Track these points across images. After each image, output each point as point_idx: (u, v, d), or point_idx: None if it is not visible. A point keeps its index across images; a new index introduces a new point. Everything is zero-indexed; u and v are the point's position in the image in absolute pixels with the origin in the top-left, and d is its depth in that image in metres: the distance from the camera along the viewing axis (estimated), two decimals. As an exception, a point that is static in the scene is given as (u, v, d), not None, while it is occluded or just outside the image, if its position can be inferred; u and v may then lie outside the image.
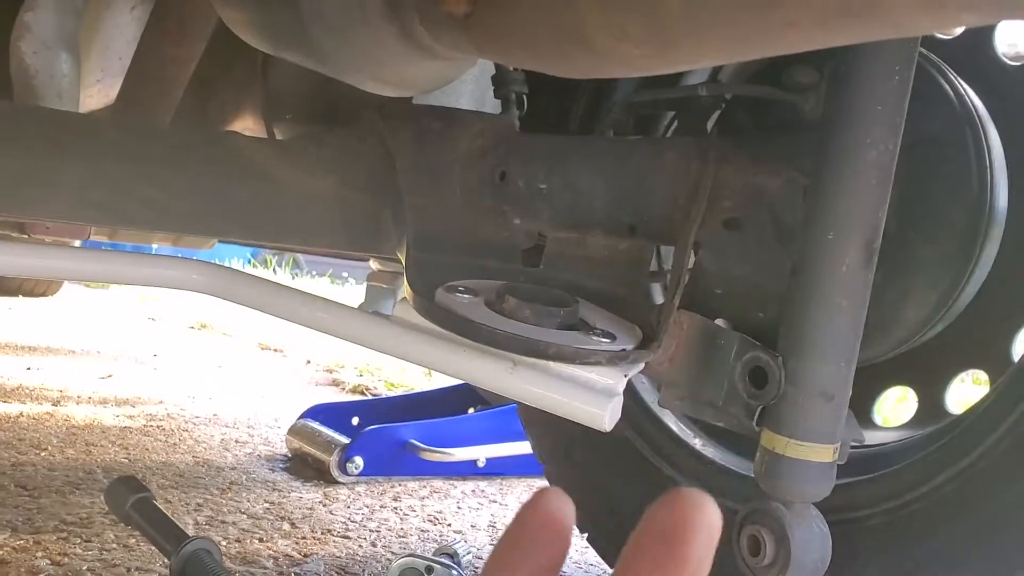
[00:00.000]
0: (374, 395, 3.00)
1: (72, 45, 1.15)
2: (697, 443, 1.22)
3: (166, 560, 0.87)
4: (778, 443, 0.84)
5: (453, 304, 0.95)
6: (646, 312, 0.97)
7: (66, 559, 1.28)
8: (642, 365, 0.90)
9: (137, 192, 0.96)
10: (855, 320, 0.83)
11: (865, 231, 0.81)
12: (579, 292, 1.01)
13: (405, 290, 1.02)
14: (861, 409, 1.08)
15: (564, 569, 1.41)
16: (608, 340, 0.90)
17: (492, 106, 1.29)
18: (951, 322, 1.04)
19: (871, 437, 1.08)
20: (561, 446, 1.38)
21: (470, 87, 1.34)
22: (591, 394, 0.87)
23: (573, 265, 1.09)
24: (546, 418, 1.41)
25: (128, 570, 1.25)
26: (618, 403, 0.87)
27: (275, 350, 3.94)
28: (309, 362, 3.68)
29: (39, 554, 1.29)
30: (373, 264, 1.96)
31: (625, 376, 0.88)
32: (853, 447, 0.95)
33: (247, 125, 1.44)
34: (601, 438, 1.30)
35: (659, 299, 1.27)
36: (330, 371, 3.46)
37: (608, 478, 1.29)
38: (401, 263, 1.69)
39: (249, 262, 8.17)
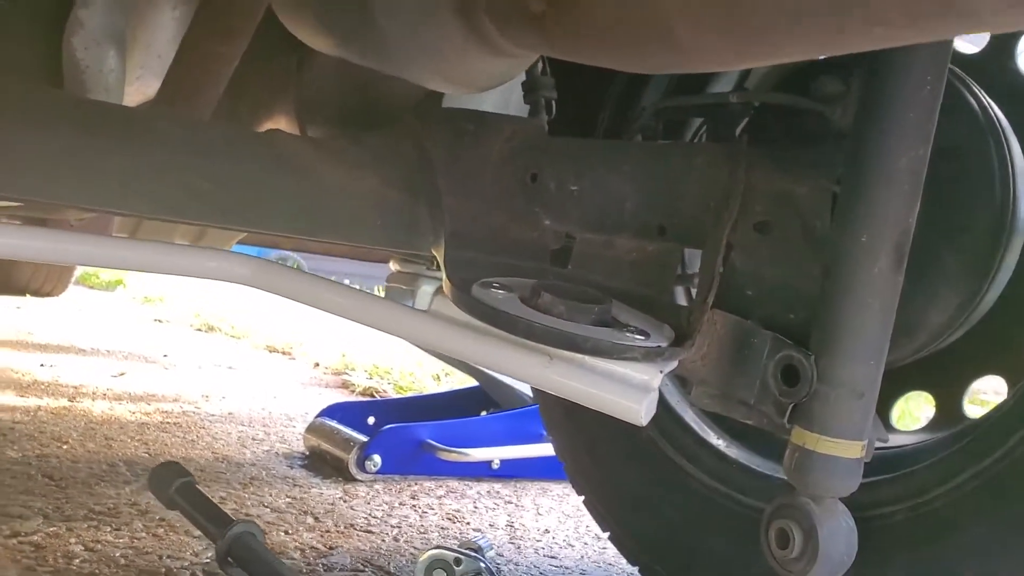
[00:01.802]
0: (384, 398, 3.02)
1: (120, 42, 1.18)
2: (720, 443, 1.25)
3: (212, 543, 0.89)
4: (808, 439, 0.86)
5: (490, 299, 0.98)
6: (674, 313, 1.00)
7: (99, 546, 1.30)
8: (676, 362, 0.93)
9: (184, 183, 0.98)
10: (885, 321, 0.85)
11: (896, 235, 0.84)
12: (607, 293, 1.03)
13: (444, 285, 1.05)
14: (880, 412, 1.10)
15: (584, 568, 1.44)
16: (642, 337, 0.93)
17: (515, 111, 1.32)
18: (971, 328, 1.06)
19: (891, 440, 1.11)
20: (583, 446, 1.40)
21: (494, 92, 1.37)
22: (627, 389, 0.89)
23: (601, 266, 1.11)
24: (568, 418, 1.45)
25: (160, 557, 1.28)
26: (654, 399, 0.90)
27: (283, 352, 3.97)
28: (317, 365, 3.70)
29: (72, 540, 1.32)
30: (392, 266, 1.99)
31: (661, 372, 0.90)
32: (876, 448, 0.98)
33: (279, 126, 1.47)
34: (624, 438, 1.33)
35: (682, 303, 1.29)
36: (338, 373, 3.49)
37: (631, 477, 1.32)
38: (432, 262, 1.72)
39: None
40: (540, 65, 1.23)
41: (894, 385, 1.13)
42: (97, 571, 1.21)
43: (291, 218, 1.06)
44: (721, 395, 0.97)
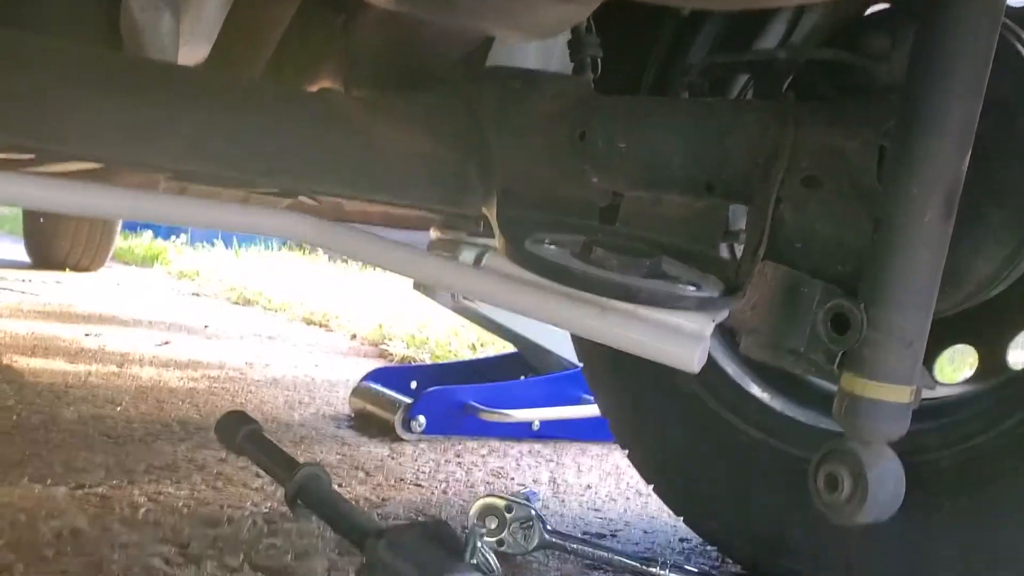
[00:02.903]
0: (423, 365, 3.06)
1: (174, 5, 1.21)
2: (763, 395, 1.27)
3: (280, 486, 0.93)
4: (858, 385, 0.88)
5: (543, 254, 1.00)
6: (723, 266, 1.02)
7: (161, 497, 1.35)
8: (727, 312, 0.95)
9: (247, 143, 1.01)
10: (934, 270, 0.87)
11: (947, 185, 0.85)
12: (656, 248, 1.05)
13: (497, 241, 1.08)
14: (925, 364, 1.12)
15: (627, 520, 1.47)
16: (694, 288, 0.96)
17: (557, 70, 1.34)
18: (1014, 281, 1.07)
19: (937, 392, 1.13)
20: (628, 401, 1.43)
21: (536, 52, 1.39)
22: (680, 337, 0.91)
23: (649, 223, 1.14)
24: (612, 375, 1.47)
25: (221, 507, 1.32)
26: (706, 347, 0.92)
27: (320, 324, 4.02)
28: (355, 336, 3.75)
29: (135, 492, 1.36)
30: (433, 233, 2.02)
31: (713, 321, 0.93)
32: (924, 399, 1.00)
33: (324, 89, 1.50)
34: (667, 392, 1.36)
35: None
36: (376, 344, 3.53)
37: (675, 431, 1.34)
38: (478, 222, 1.74)
39: (285, 243, 8.26)
40: (586, 23, 1.24)
41: (939, 337, 1.15)
42: (162, 519, 1.26)
43: (349, 177, 1.09)
44: (771, 344, 0.99)
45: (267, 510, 1.33)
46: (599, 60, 1.26)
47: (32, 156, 1.42)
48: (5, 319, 3.13)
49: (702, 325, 0.92)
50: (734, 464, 1.26)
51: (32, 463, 1.46)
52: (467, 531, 0.90)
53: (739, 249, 1.19)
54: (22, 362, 2.37)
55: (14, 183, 0.93)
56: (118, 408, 1.94)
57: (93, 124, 0.94)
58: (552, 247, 1.03)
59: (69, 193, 0.98)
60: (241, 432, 1.00)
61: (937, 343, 1.16)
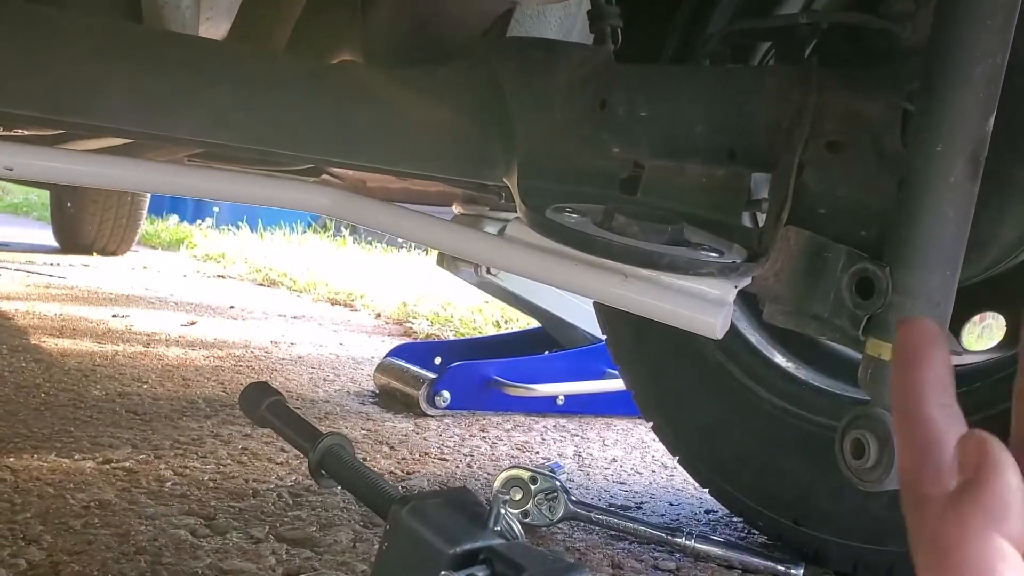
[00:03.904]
0: (447, 342, 3.07)
1: (194, -21, 1.21)
2: (788, 364, 1.26)
3: (303, 455, 0.93)
4: (884, 350, 0.87)
5: (565, 222, 1.00)
6: (745, 234, 1.01)
7: (187, 471, 1.36)
8: (750, 278, 0.95)
9: (272, 115, 1.02)
10: (960, 231, 0.86)
11: (972, 144, 0.84)
12: (677, 219, 1.05)
13: (519, 210, 1.08)
14: (951, 331, 1.11)
15: (653, 492, 1.47)
16: (716, 255, 0.95)
17: (577, 40, 1.33)
18: (1041, 248, 1.06)
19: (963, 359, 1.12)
20: (652, 373, 1.43)
21: (555, 23, 1.38)
22: (703, 303, 0.91)
23: (671, 193, 1.13)
24: (636, 346, 1.47)
25: (246, 481, 1.33)
26: (729, 312, 0.91)
27: (345, 305, 4.03)
28: (379, 315, 3.76)
29: (162, 466, 1.38)
30: (455, 208, 2.02)
31: (735, 287, 0.92)
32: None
33: (344, 66, 1.49)
34: (691, 364, 1.35)
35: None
36: (400, 322, 3.54)
37: (700, 402, 1.34)
38: (500, 195, 1.74)
39: (310, 226, 8.30)
40: (606, -8, 1.23)
41: (965, 305, 1.13)
42: (188, 493, 1.27)
43: (373, 149, 1.09)
44: (795, 311, 0.98)
45: (292, 484, 1.34)
46: (619, 30, 1.25)
47: (60, 132, 1.43)
48: (34, 301, 3.17)
49: (725, 291, 0.92)
50: (759, 434, 1.26)
51: (60, 438, 1.48)
52: (490, 499, 0.90)
53: (761, 218, 1.18)
54: (51, 342, 2.39)
55: (48, 158, 0.94)
56: (144, 386, 1.96)
57: (122, 97, 0.95)
58: (573, 216, 1.03)
59: (103, 167, 0.99)
60: (264, 403, 1.00)
61: (964, 310, 1.15)
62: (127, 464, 1.37)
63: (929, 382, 0.35)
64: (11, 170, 0.97)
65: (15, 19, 0.88)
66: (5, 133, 1.40)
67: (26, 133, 1.44)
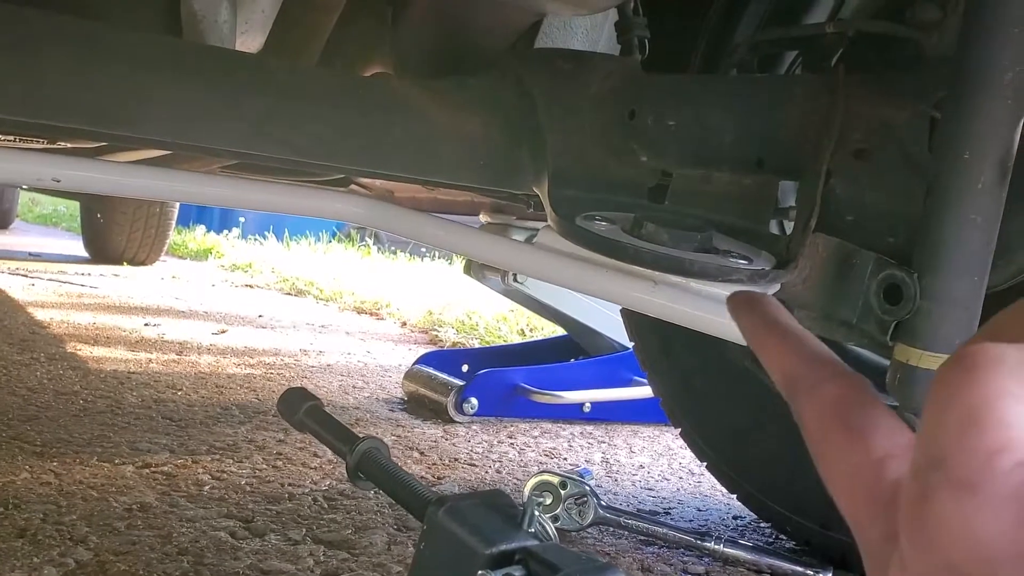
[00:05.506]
0: (473, 351, 3.09)
1: (231, -6, 1.24)
2: (817, 372, 1.27)
3: (341, 460, 0.96)
4: (912, 355, 0.89)
5: (595, 228, 1.02)
6: (773, 242, 1.02)
7: (224, 475, 1.39)
8: (779, 284, 0.96)
9: (309, 126, 1.04)
10: (988, 236, 0.87)
11: (1000, 150, 0.85)
12: (706, 227, 1.06)
13: (549, 218, 1.10)
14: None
15: (680, 498, 1.48)
16: (745, 262, 0.96)
17: (603, 51, 1.35)
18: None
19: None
20: (679, 380, 1.44)
21: (581, 34, 1.40)
22: (732, 309, 0.92)
23: (699, 201, 1.14)
24: (664, 353, 1.48)
25: (282, 485, 1.36)
26: (757, 318, 0.93)
27: (371, 314, 4.07)
28: (405, 324, 3.79)
29: (199, 470, 1.41)
30: (483, 218, 2.04)
31: (764, 294, 0.94)
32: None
33: (375, 78, 1.52)
34: (719, 370, 1.37)
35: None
36: (426, 331, 3.57)
37: (728, 408, 1.35)
38: (528, 204, 1.76)
39: (335, 236, 8.36)
40: (632, 3, 1.25)
41: (993, 311, 1.14)
42: (226, 496, 1.30)
43: (407, 160, 1.11)
44: (823, 317, 0.99)
45: (326, 488, 1.36)
46: (646, 41, 1.27)
47: (101, 144, 1.47)
48: (69, 311, 3.22)
49: (754, 297, 0.93)
50: (786, 440, 1.27)
51: (100, 444, 1.51)
52: (523, 501, 0.91)
53: (789, 226, 1.20)
54: (86, 351, 2.44)
55: (92, 170, 0.97)
56: (179, 393, 1.99)
57: (166, 109, 0.98)
58: (603, 224, 1.04)
59: (145, 178, 1.02)
60: (303, 408, 1.02)
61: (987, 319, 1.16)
62: (166, 468, 1.40)
63: (774, 306, 0.35)
64: (59, 181, 1.00)
65: (67, 35, 0.92)
66: (49, 146, 1.44)
67: (68, 146, 1.48)
